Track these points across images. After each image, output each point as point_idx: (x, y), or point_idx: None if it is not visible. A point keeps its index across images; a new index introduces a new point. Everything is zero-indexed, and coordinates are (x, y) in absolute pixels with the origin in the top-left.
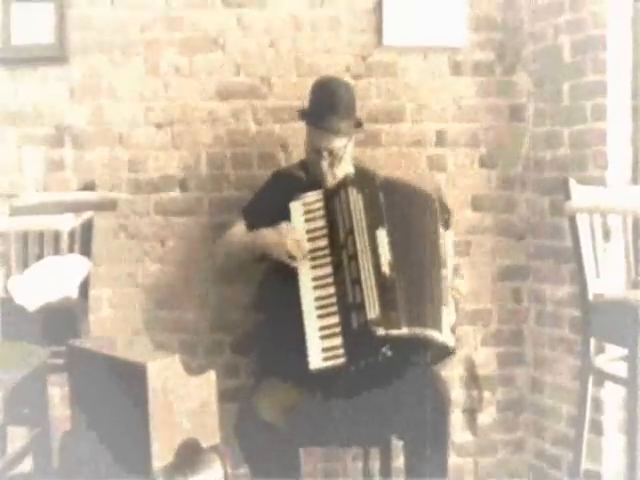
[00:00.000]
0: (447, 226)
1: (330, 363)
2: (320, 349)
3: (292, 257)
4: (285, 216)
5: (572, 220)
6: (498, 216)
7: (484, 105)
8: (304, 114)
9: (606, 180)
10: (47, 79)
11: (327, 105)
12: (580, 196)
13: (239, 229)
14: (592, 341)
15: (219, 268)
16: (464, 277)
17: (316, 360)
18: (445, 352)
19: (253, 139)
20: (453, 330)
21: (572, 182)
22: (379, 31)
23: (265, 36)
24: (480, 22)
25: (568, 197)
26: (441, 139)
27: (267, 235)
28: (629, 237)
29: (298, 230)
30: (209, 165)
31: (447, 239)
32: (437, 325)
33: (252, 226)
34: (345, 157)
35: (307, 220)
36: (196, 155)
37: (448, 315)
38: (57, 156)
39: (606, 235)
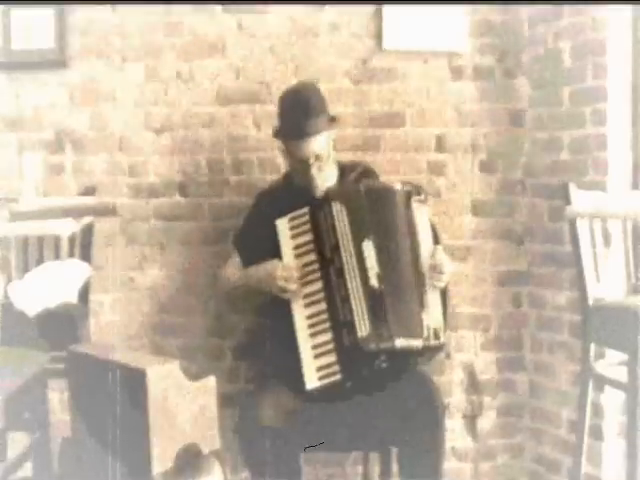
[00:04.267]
0: (423, 206)
1: (326, 381)
2: (315, 368)
3: (284, 291)
4: (275, 236)
5: (572, 225)
6: (498, 221)
7: (484, 110)
8: (279, 132)
9: (606, 185)
10: (47, 84)
11: (298, 111)
12: (580, 201)
13: (233, 267)
14: (592, 346)
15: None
16: (450, 269)
17: (312, 380)
18: (434, 350)
19: (253, 144)
20: (445, 322)
21: (572, 187)
22: (379, 36)
23: (265, 41)
24: (480, 27)
25: (568, 202)
26: (441, 144)
27: (257, 275)
28: (629, 242)
29: (287, 265)
30: (209, 170)
31: (422, 221)
32: (419, 331)
33: (245, 256)
34: (330, 157)
35: (294, 236)
36: (196, 160)
37: (428, 315)
38: (57, 161)
39: (606, 240)
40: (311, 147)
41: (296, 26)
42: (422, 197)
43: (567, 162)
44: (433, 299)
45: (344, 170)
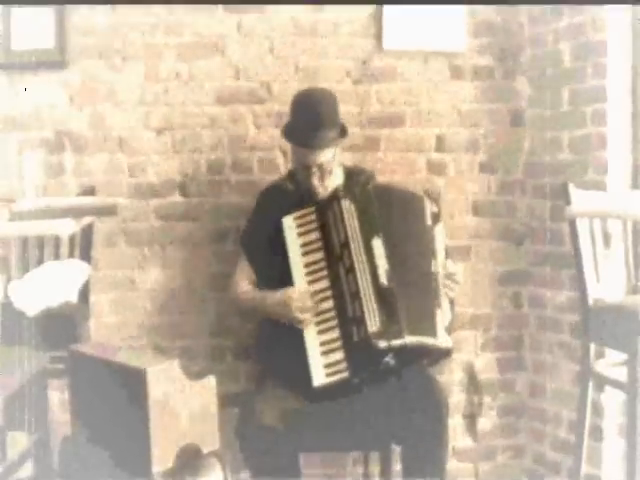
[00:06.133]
0: (437, 220)
1: (333, 378)
2: (322, 365)
3: (299, 321)
4: (280, 234)
5: (572, 225)
6: (498, 221)
7: (484, 110)
8: (287, 132)
9: (606, 185)
10: (47, 84)
11: (309, 121)
12: (580, 201)
13: (244, 278)
14: (592, 346)
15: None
16: (461, 279)
17: (319, 377)
18: (443, 354)
19: (253, 144)
20: (449, 330)
21: (572, 187)
22: (379, 36)
23: (265, 41)
24: (480, 27)
25: (568, 202)
26: (441, 144)
27: (271, 303)
28: (629, 242)
29: (301, 293)
30: (209, 170)
31: (437, 233)
32: (433, 330)
33: (252, 255)
34: (334, 167)
35: (300, 234)
36: (196, 160)
37: (443, 316)
38: (57, 161)
39: (606, 240)
40: (316, 158)
41: (296, 26)
42: (436, 210)
43: (567, 162)
44: (445, 305)
45: (350, 174)
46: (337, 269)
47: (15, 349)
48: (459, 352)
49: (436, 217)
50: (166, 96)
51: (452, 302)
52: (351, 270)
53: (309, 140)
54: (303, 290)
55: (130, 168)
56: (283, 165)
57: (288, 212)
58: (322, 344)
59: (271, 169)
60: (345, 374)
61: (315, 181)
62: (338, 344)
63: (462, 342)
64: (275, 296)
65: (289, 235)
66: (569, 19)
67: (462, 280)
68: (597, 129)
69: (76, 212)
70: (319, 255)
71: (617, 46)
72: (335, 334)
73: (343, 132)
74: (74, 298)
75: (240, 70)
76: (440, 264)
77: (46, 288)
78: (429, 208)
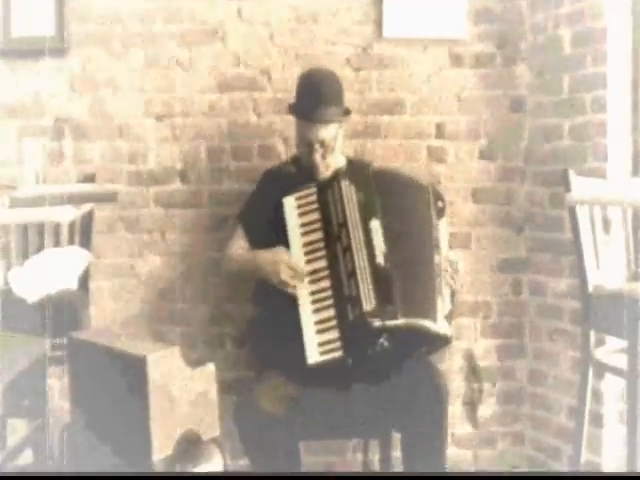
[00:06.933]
0: (441, 215)
1: (327, 357)
2: (317, 343)
3: (286, 284)
4: (280, 212)
5: (572, 212)
6: (498, 208)
7: (484, 97)
8: (292, 108)
9: (606, 172)
10: (47, 71)
11: (314, 96)
12: (580, 188)
13: (238, 246)
14: (592, 333)
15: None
16: (462, 269)
17: (313, 354)
18: (441, 342)
19: (253, 131)
20: (450, 319)
21: (572, 174)
22: (379, 23)
23: (265, 28)
24: (480, 14)
25: (568, 189)
26: (441, 131)
27: (262, 261)
28: (629, 229)
29: (294, 256)
30: (209, 157)
31: (441, 228)
32: (433, 315)
33: (250, 230)
34: (336, 147)
35: (300, 214)
36: (196, 147)
37: (443, 304)
38: (57, 148)
39: (606, 227)
40: (318, 133)
41: (296, 13)
42: (441, 205)
43: (567, 149)
44: (446, 294)
45: (352, 164)
46: (335, 249)
47: (15, 336)
48: (459, 339)
49: (441, 211)
50: (166, 83)
51: (453, 293)
52: (348, 249)
53: (314, 114)
54: (296, 257)
55: (130, 155)
56: (283, 152)
57: (288, 193)
58: (317, 323)
59: (271, 156)
60: (339, 353)
61: (317, 158)
62: (333, 323)
63: (462, 329)
64: (267, 254)
65: (290, 215)
66: (569, 6)
67: (463, 270)
68: (597, 116)
69: (76, 199)
70: (318, 235)
71: (617, 33)
72: (330, 313)
73: (346, 112)
74: (74, 285)
75: (240, 57)
76: (443, 258)
77: (46, 275)
78: (433, 198)
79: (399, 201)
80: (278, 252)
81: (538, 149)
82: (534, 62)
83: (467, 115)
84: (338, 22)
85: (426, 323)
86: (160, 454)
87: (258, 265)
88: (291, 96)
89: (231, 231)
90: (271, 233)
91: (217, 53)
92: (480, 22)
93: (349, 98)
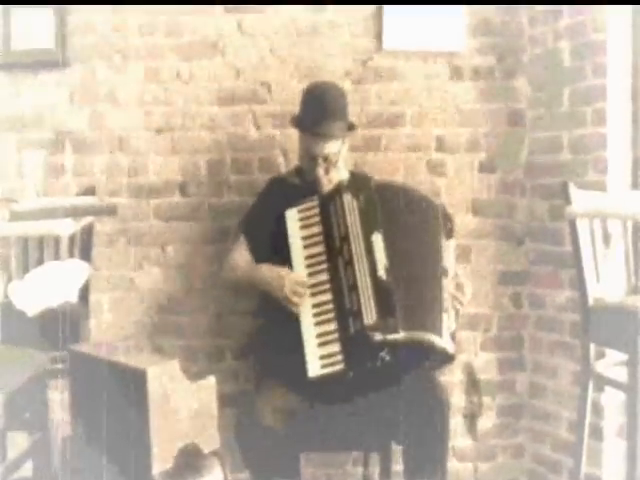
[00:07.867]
0: (450, 236)
1: (328, 370)
2: (318, 356)
3: (290, 302)
4: (282, 224)
5: (572, 225)
6: (498, 221)
7: (484, 110)
8: (296, 121)
9: (606, 185)
10: (47, 84)
11: (319, 110)
12: (580, 201)
13: (240, 255)
14: (592, 346)
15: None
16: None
17: (314, 368)
18: (445, 358)
19: (253, 144)
20: (453, 337)
21: (572, 187)
22: (379, 36)
23: (265, 41)
24: (480, 27)
25: (568, 202)
26: (441, 144)
27: (266, 277)
28: (629, 242)
29: (298, 275)
30: (209, 170)
31: (449, 248)
32: (436, 330)
33: (252, 240)
34: (340, 161)
35: (302, 227)
36: (196, 160)
37: (449, 321)
38: (57, 161)
39: (606, 240)
40: (323, 147)
41: (296, 26)
42: (450, 226)
43: (567, 162)
44: (451, 313)
45: (355, 177)
46: (336, 262)
47: (15, 349)
48: (459, 352)
49: (449, 232)
50: (166, 96)
51: (457, 314)
52: (350, 263)
53: (318, 128)
54: (301, 276)
55: (130, 168)
56: (283, 165)
57: (291, 205)
58: (318, 336)
59: (271, 169)
60: (340, 366)
61: (320, 172)
62: (335, 336)
63: (462, 342)
64: (272, 268)
65: (292, 228)
66: (569, 19)
67: (470, 294)
68: (597, 129)
69: (76, 212)
70: (320, 248)
71: (617, 46)
72: (332, 326)
73: (351, 127)
74: (74, 298)
75: (240, 70)
76: (450, 278)
77: (46, 288)
78: (442, 219)
79: (404, 215)
80: (282, 270)
81: (538, 162)
82: (534, 75)
83: (467, 128)
84: (338, 35)
85: (431, 337)
86: (160, 467)
87: (263, 277)
88: (292, 109)
89: (232, 239)
90: (273, 245)
91: (217, 66)
92: (480, 35)
93: (349, 111)
